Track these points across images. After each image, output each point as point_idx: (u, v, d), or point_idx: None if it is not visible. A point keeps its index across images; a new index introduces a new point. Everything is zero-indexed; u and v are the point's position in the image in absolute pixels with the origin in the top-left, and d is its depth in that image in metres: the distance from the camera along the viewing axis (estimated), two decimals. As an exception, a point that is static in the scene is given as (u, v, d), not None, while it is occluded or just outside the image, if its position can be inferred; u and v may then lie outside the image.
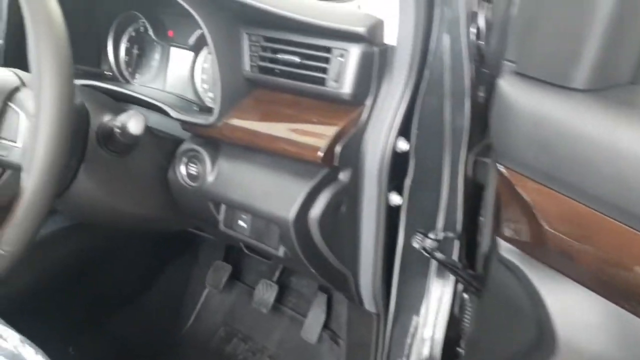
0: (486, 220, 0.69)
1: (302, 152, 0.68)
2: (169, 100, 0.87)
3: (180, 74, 0.91)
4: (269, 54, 0.74)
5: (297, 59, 0.71)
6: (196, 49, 0.88)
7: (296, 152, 0.68)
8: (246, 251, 0.87)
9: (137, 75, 0.96)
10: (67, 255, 1.06)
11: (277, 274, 1.28)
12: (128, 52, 0.98)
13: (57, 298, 1.09)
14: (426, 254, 0.75)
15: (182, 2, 0.73)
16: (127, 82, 0.98)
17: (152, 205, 0.84)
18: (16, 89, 0.64)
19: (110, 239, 1.17)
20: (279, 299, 1.28)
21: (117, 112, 0.74)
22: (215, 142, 0.78)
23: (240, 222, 0.76)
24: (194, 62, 0.89)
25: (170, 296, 1.42)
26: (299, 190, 0.69)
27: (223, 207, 0.78)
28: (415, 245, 0.76)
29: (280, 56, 0.72)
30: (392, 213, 0.76)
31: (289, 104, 0.73)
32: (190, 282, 1.43)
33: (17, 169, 0.58)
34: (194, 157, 0.78)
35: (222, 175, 0.76)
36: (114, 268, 1.27)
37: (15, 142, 0.59)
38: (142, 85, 0.95)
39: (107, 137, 0.69)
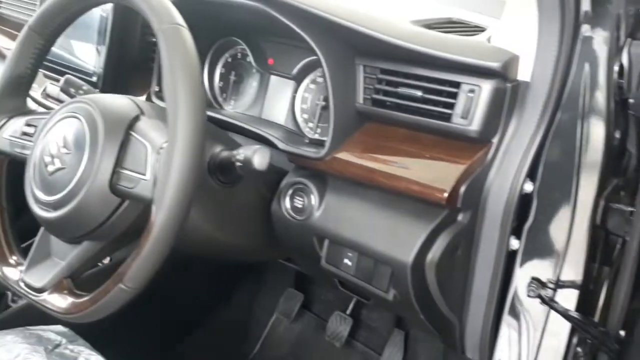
0: (624, 274, 0.64)
1: (424, 192, 0.64)
2: (269, 129, 0.85)
3: (279, 103, 0.89)
4: (384, 87, 0.71)
5: (418, 93, 0.67)
6: (298, 78, 0.86)
7: (418, 191, 0.65)
8: (341, 288, 0.83)
9: (231, 102, 0.95)
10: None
11: (350, 306, 1.24)
12: (223, 77, 0.97)
13: (132, 321, 1.07)
14: (542, 304, 0.70)
15: (300, 32, 0.71)
16: (221, 108, 0.96)
17: (252, 237, 0.81)
18: (136, 118, 0.63)
19: (179, 262, 1.16)
20: (352, 332, 1.23)
21: (226, 141, 0.72)
22: (321, 175, 0.75)
23: (346, 260, 0.72)
24: (295, 91, 0.87)
25: (236, 322, 1.39)
26: (418, 231, 0.65)
27: (326, 243, 0.75)
28: (531, 293, 0.70)
29: (400, 90, 0.69)
30: (509, 258, 0.71)
31: (407, 139, 0.70)
32: (256, 308, 1.40)
33: (145, 202, 0.56)
34: (299, 190, 0.75)
35: (330, 210, 0.73)
36: (182, 291, 1.26)
37: (144, 174, 0.57)
38: (237, 112, 0.93)
39: (221, 167, 0.66)
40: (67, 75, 0.82)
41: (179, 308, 1.24)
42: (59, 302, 0.62)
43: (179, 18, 0.59)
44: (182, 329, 1.30)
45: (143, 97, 0.94)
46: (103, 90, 0.93)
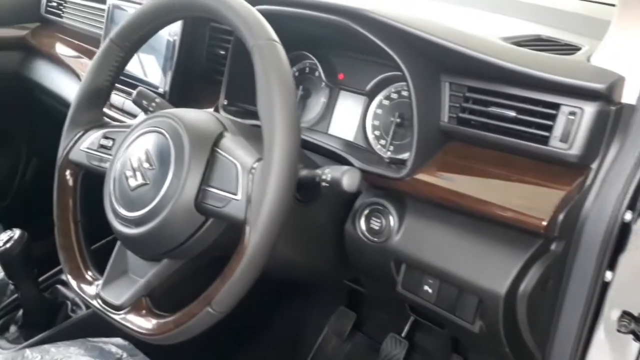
0: None
1: (520, 219, 0.60)
2: (338, 145, 0.82)
3: (348, 119, 0.87)
4: (471, 105, 0.68)
5: (511, 113, 0.64)
6: (371, 94, 0.84)
7: (512, 218, 0.61)
8: (411, 313, 0.80)
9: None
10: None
11: (406, 328, 1.20)
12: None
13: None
14: (635, 340, 0.65)
15: (385, 48, 0.68)
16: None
17: (322, 257, 0.78)
18: (221, 135, 0.61)
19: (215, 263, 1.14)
20: (407, 356, 1.19)
21: (302, 158, 0.70)
22: (399, 195, 0.72)
23: (426, 287, 0.69)
24: (366, 107, 0.84)
25: (285, 337, 1.37)
26: (512, 261, 0.61)
27: (404, 267, 0.72)
28: (622, 328, 0.65)
29: (491, 109, 0.65)
30: (601, 291, 0.67)
31: (497, 161, 0.66)
32: (306, 325, 1.37)
33: (236, 223, 0.54)
34: (376, 211, 0.72)
35: (410, 233, 0.70)
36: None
37: (234, 194, 0.55)
38: (304, 127, 0.91)
39: (300, 186, 0.64)
40: (140, 88, 0.81)
41: (233, 320, 1.22)
42: (141, 322, 0.60)
43: (274, 34, 0.57)
44: (236, 341, 1.28)
45: (210, 110, 0.93)
46: (170, 103, 0.92)
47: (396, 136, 0.80)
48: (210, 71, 0.98)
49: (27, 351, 0.82)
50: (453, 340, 1.12)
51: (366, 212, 0.73)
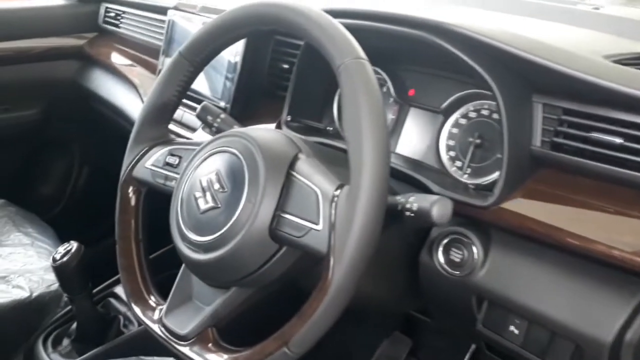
0: None
1: (628, 259, 0.54)
2: (407, 165, 0.77)
3: (419, 138, 0.82)
4: (568, 129, 0.62)
5: (617, 140, 0.57)
6: (447, 112, 0.78)
7: (619, 257, 0.54)
8: (487, 352, 0.73)
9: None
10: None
11: (466, 358, 1.13)
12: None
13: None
14: None
15: (473, 64, 0.63)
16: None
17: (390, 288, 0.73)
18: (296, 157, 0.57)
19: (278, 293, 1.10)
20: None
21: None
22: (483, 225, 0.66)
23: (512, 328, 0.63)
24: (441, 126, 0.79)
25: (334, 357, 1.31)
26: (619, 305, 0.55)
27: (486, 304, 0.66)
28: None
29: (593, 135, 0.59)
30: None
31: (596, 192, 0.60)
32: (355, 348, 1.31)
33: (316, 255, 0.50)
34: (457, 241, 0.66)
35: (497, 267, 0.64)
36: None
37: (315, 223, 0.51)
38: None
39: None
40: (205, 103, 0.78)
41: None
42: (209, 356, 0.56)
43: (362, 52, 0.53)
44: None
45: (272, 126, 0.90)
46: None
47: (474, 158, 0.74)
48: (272, 86, 0.95)
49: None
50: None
51: (445, 242, 0.67)
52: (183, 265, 0.64)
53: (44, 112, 1.51)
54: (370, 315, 1.24)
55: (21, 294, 1.00)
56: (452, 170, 0.77)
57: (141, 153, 0.71)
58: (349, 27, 0.56)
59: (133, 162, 0.71)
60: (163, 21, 1.22)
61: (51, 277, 1.06)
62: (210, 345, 0.58)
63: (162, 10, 1.22)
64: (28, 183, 1.58)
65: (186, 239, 0.59)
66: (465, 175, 0.75)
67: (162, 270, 0.91)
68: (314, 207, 0.52)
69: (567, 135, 0.62)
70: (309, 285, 0.61)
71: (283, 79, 0.92)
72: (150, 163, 0.70)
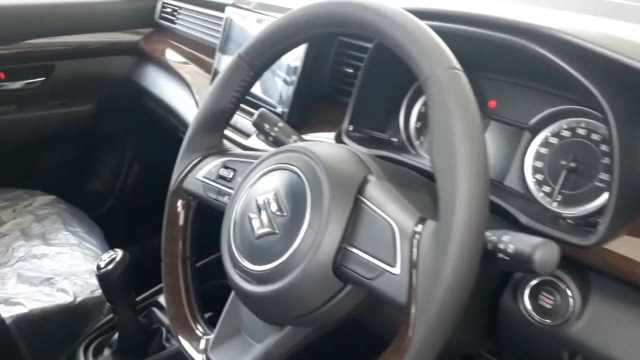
0: None
1: None
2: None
3: (499, 156, 0.72)
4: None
5: None
6: (535, 129, 0.68)
7: None
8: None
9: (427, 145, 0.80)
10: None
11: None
12: (422, 117, 0.82)
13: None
14: None
15: (580, 78, 0.53)
16: (417, 154, 0.81)
17: (466, 329, 0.64)
18: (365, 180, 0.49)
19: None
20: None
21: None
22: (580, 268, 0.56)
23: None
24: (527, 144, 0.69)
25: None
26: None
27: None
28: None
29: None
30: None
31: None
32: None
33: (392, 304, 0.42)
34: (548, 284, 0.57)
35: (597, 319, 0.54)
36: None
37: (391, 265, 0.43)
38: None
39: None
40: (262, 109, 0.71)
41: None
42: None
43: (456, 61, 0.45)
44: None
45: (332, 135, 0.82)
46: (289, 125, 0.82)
47: (567, 184, 0.64)
48: (334, 91, 0.87)
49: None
50: None
51: (533, 284, 0.57)
52: (232, 293, 0.58)
53: (98, 108, 1.50)
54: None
55: (65, 299, 0.97)
56: (539, 196, 0.67)
57: (193, 163, 0.65)
58: (434, 30, 0.48)
59: (184, 173, 0.65)
60: (220, 18, 1.17)
61: (96, 281, 1.03)
62: (260, 390, 0.51)
63: (220, 7, 1.17)
64: (78, 180, 1.58)
65: (238, 266, 0.52)
66: (555, 203, 0.65)
67: (205, 280, 0.85)
68: (389, 244, 0.44)
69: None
70: (374, 323, 0.53)
71: (346, 84, 0.84)
72: (202, 174, 0.64)
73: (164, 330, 0.96)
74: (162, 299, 1.01)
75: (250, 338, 0.55)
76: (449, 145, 0.41)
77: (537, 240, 0.43)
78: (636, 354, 0.51)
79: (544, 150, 0.68)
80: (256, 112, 0.71)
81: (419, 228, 0.43)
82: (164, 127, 1.44)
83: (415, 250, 0.42)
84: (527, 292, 0.58)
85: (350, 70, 0.84)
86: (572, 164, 0.63)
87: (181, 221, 0.65)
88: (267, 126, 0.70)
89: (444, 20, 0.62)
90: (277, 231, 0.50)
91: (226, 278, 0.54)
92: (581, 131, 0.65)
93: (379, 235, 0.45)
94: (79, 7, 1.46)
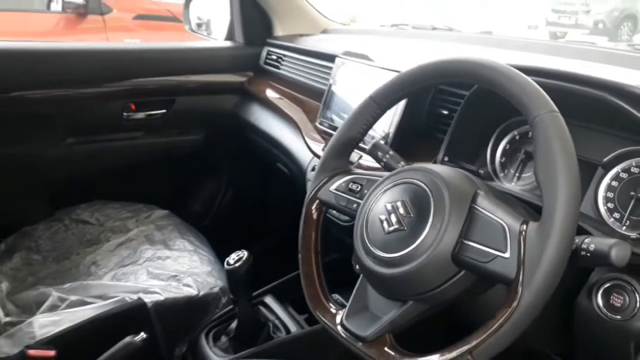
0: None
1: None
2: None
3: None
4: None
5: None
6: (608, 166, 0.82)
7: None
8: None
9: (514, 178, 0.94)
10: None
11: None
12: (505, 153, 0.97)
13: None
14: None
15: None
16: (501, 182, 0.96)
17: (545, 326, 0.77)
18: (476, 194, 0.65)
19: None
20: None
21: None
22: (646, 274, 0.69)
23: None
24: (600, 178, 0.83)
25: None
26: None
27: None
28: None
29: None
30: None
31: None
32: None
33: (503, 280, 0.57)
34: (618, 287, 0.70)
35: (661, 316, 0.66)
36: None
37: (502, 252, 0.58)
38: (521, 189, 0.92)
39: None
40: (376, 140, 0.89)
41: None
42: (386, 357, 0.65)
43: (555, 106, 0.61)
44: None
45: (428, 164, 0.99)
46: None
47: (635, 211, 0.78)
48: (429, 129, 1.04)
49: (243, 361, 0.92)
50: None
51: (606, 286, 0.71)
52: (360, 277, 0.74)
53: (206, 138, 1.73)
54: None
55: (190, 292, 1.16)
56: (610, 221, 0.80)
57: (326, 179, 0.83)
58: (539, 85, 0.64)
59: (319, 186, 0.83)
60: (322, 65, 1.38)
61: (212, 280, 1.22)
62: (386, 348, 0.66)
63: (322, 56, 1.38)
64: (185, 198, 1.80)
65: (371, 254, 0.69)
66: (624, 227, 0.78)
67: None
68: (501, 238, 0.59)
69: None
70: (471, 307, 0.67)
71: (441, 123, 1.01)
72: (334, 188, 0.82)
73: (270, 324, 1.12)
74: (268, 299, 1.19)
75: (376, 312, 0.70)
76: (554, 169, 0.57)
77: (613, 240, 0.57)
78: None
79: (615, 184, 0.82)
80: (371, 142, 0.89)
81: (524, 227, 0.59)
82: (261, 158, 1.65)
83: (522, 241, 0.57)
84: (600, 293, 0.71)
85: (446, 112, 1.01)
86: None
87: (314, 222, 0.82)
88: (380, 154, 0.86)
89: (546, 77, 0.78)
90: (404, 228, 0.66)
91: None
92: (648, 169, 0.78)
93: (492, 232, 0.60)
94: (196, 52, 1.72)
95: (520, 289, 0.55)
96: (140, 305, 1.08)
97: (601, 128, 0.84)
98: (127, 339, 0.98)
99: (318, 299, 0.78)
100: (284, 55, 1.62)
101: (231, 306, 1.13)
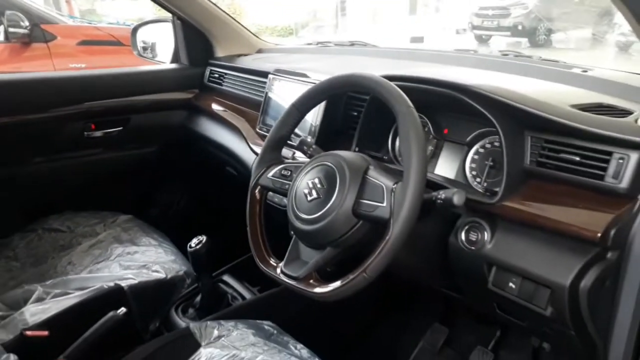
0: None
1: (581, 233, 0.85)
2: (442, 180, 1.11)
3: (451, 163, 1.16)
4: (547, 152, 0.94)
5: (576, 158, 0.90)
6: (470, 144, 1.12)
7: (576, 232, 0.85)
8: (498, 311, 1.03)
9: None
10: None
11: (492, 342, 1.41)
12: (402, 142, 1.26)
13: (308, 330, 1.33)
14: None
15: (485, 112, 0.97)
16: (399, 164, 1.25)
17: (429, 262, 1.06)
18: (367, 167, 0.93)
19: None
20: (492, 369, 1.39)
21: None
22: (492, 216, 0.99)
23: (510, 284, 0.94)
24: (466, 154, 1.13)
25: (384, 349, 1.61)
26: (575, 262, 0.85)
27: (494, 270, 0.97)
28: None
29: (561, 155, 0.92)
30: (651, 294, 0.88)
31: (566, 193, 0.91)
32: (401, 340, 1.61)
33: (381, 221, 0.84)
34: (474, 227, 0.99)
35: (500, 243, 0.96)
36: (341, 318, 1.52)
37: (382, 203, 0.86)
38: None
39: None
40: (302, 138, 1.15)
41: (343, 327, 1.50)
42: (315, 288, 0.91)
43: (410, 102, 0.89)
44: (344, 347, 1.54)
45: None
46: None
47: (489, 175, 1.08)
48: (344, 127, 1.32)
49: (208, 322, 1.16)
50: (534, 353, 1.32)
51: (466, 227, 1.00)
52: (293, 237, 1.00)
53: (160, 150, 1.95)
54: (416, 304, 1.55)
55: (160, 276, 1.38)
56: (474, 184, 1.10)
57: (264, 169, 1.09)
58: (402, 87, 0.92)
59: (259, 175, 1.08)
60: (258, 80, 1.64)
61: (177, 266, 1.45)
62: (313, 281, 0.92)
63: (257, 73, 1.64)
64: (146, 204, 2.01)
65: (299, 218, 0.94)
66: (482, 187, 1.08)
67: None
68: (381, 194, 0.86)
69: (547, 156, 0.94)
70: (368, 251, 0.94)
71: (353, 122, 1.29)
72: (270, 175, 1.07)
73: (229, 295, 1.36)
74: (225, 277, 1.43)
75: (305, 259, 0.96)
76: (409, 146, 0.84)
77: (455, 189, 0.86)
78: (521, 259, 0.92)
79: (476, 157, 1.12)
80: (298, 139, 1.15)
81: (394, 186, 0.86)
82: (211, 163, 1.88)
83: (392, 195, 0.85)
84: (463, 232, 1.00)
85: (355, 113, 1.29)
86: (491, 163, 1.07)
87: (258, 202, 1.08)
88: (305, 147, 1.13)
89: (409, 82, 1.07)
90: (320, 197, 0.93)
91: None
92: (496, 144, 1.08)
93: (376, 191, 0.88)
94: (147, 75, 1.94)
95: (391, 225, 0.82)
96: (117, 289, 1.29)
97: (463, 116, 1.15)
98: (110, 313, 1.19)
99: (263, 257, 1.03)
100: (225, 74, 1.87)
101: (195, 285, 1.37)
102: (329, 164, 0.95)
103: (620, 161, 0.85)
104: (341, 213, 0.89)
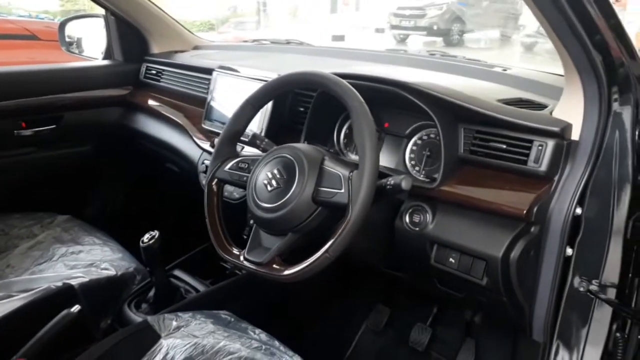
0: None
1: (509, 211, 0.98)
2: (385, 170, 1.21)
3: (392, 153, 1.27)
4: (478, 142, 1.07)
5: (503, 146, 1.03)
6: (409, 136, 1.24)
7: (505, 210, 0.99)
8: (439, 286, 1.15)
9: (354, 152, 1.33)
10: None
11: (430, 319, 1.54)
12: (347, 136, 1.35)
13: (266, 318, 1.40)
14: (590, 295, 1.00)
15: (423, 106, 1.08)
16: (345, 156, 1.34)
17: (377, 244, 1.15)
18: (323, 158, 1.00)
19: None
20: (430, 342, 1.53)
21: None
22: (433, 200, 1.10)
23: (451, 259, 1.06)
24: (405, 145, 1.24)
25: (329, 334, 1.70)
26: (505, 236, 0.98)
27: (435, 247, 1.09)
28: (581, 288, 1.01)
29: (490, 144, 1.05)
30: (566, 261, 1.03)
31: (495, 177, 1.04)
32: (349, 322, 1.71)
33: (340, 206, 0.92)
34: (417, 210, 1.10)
35: (440, 223, 1.07)
36: (292, 305, 1.59)
37: (340, 189, 0.94)
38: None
39: None
40: (254, 132, 1.21)
41: (295, 309, 1.57)
42: (279, 271, 0.97)
43: (361, 97, 0.97)
44: (293, 335, 1.61)
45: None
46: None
47: (426, 164, 1.19)
48: (292, 122, 1.39)
49: (166, 315, 1.18)
50: (467, 326, 1.47)
51: (410, 211, 1.11)
52: (254, 226, 1.05)
53: (95, 148, 1.91)
54: (361, 287, 1.65)
55: (110, 273, 1.37)
56: (413, 172, 1.22)
57: (220, 162, 1.13)
58: (351, 85, 1.01)
59: (216, 168, 1.13)
60: (200, 77, 1.66)
61: (125, 262, 1.45)
62: (276, 265, 0.98)
63: (202, 70, 1.67)
64: (84, 203, 1.95)
65: (260, 207, 1.00)
66: (421, 175, 1.20)
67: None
68: (339, 182, 0.94)
69: (478, 145, 1.07)
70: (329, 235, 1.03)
71: (300, 117, 1.36)
72: (227, 168, 1.12)
73: (182, 289, 1.39)
74: (177, 272, 1.45)
75: (267, 245, 1.02)
76: (362, 137, 0.93)
77: (403, 175, 0.96)
78: (458, 236, 1.04)
79: (414, 148, 1.23)
80: (250, 134, 1.20)
81: (351, 174, 0.94)
82: (150, 160, 1.87)
83: (349, 182, 0.93)
84: (407, 215, 1.11)
85: (302, 109, 1.36)
86: (428, 153, 1.19)
87: (216, 194, 1.12)
88: (258, 141, 1.18)
89: (357, 80, 1.16)
90: (280, 186, 0.99)
91: None
92: (433, 135, 1.20)
93: (334, 179, 0.95)
94: (79, 71, 1.89)
95: (350, 209, 0.91)
96: (67, 288, 1.27)
97: (403, 111, 1.25)
98: (64, 311, 1.18)
99: (224, 246, 1.07)
100: (164, 70, 1.86)
101: (147, 280, 1.38)
102: (287, 155, 1.02)
103: (540, 148, 0.99)
104: (301, 201, 0.96)
